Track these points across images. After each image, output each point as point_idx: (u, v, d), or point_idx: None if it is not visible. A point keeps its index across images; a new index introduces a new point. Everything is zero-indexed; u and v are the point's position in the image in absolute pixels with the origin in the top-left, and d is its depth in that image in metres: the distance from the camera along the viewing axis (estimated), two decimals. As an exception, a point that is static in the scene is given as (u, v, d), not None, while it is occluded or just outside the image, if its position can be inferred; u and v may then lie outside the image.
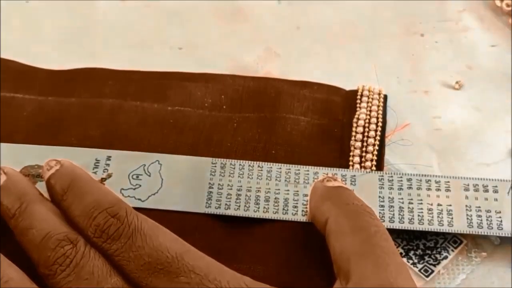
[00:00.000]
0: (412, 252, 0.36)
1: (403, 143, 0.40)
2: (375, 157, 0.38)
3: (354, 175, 0.37)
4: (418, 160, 0.40)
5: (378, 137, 0.39)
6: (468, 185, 0.37)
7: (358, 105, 0.40)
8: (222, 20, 0.47)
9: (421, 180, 0.37)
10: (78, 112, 0.40)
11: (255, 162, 0.37)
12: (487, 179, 0.37)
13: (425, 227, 0.35)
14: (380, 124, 0.39)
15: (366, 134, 0.39)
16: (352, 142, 0.39)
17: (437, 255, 0.36)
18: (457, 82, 0.43)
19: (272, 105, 0.40)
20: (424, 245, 0.36)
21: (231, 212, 0.36)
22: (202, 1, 0.48)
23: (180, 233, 0.32)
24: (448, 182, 0.37)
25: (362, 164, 0.38)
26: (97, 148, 0.38)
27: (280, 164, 0.37)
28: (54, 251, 0.31)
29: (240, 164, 0.37)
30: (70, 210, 0.32)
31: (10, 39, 0.45)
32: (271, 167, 0.37)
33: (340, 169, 0.37)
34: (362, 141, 0.39)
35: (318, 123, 0.40)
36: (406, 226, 0.35)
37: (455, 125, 0.41)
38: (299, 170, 0.37)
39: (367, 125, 0.39)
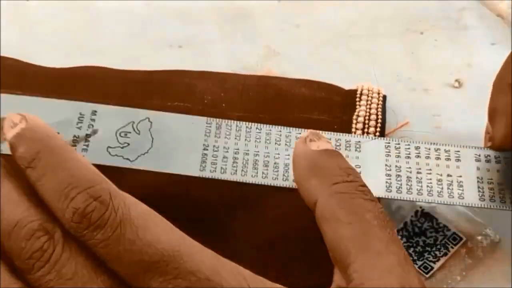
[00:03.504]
0: (411, 249, 0.36)
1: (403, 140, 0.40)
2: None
3: (359, 141, 0.35)
4: (417, 158, 0.40)
5: (377, 134, 0.39)
6: (479, 155, 0.35)
7: (357, 103, 0.40)
8: (222, 19, 0.47)
9: (430, 149, 0.35)
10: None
11: (253, 124, 0.36)
12: (499, 151, 0.35)
13: (435, 198, 0.33)
14: (379, 121, 0.39)
15: (365, 131, 0.39)
16: (351, 139, 0.39)
17: (437, 252, 0.36)
18: (456, 80, 0.43)
19: (272, 103, 0.40)
20: (423, 242, 0.36)
21: (227, 176, 0.34)
22: (202, 0, 0.48)
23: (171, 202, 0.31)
24: (459, 151, 0.35)
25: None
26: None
27: (280, 127, 0.36)
28: (29, 243, 0.26)
29: (237, 125, 0.35)
30: (39, 183, 0.27)
31: (10, 39, 0.45)
32: (270, 130, 0.35)
33: (344, 134, 0.36)
34: (362, 138, 0.39)
35: (318, 119, 0.40)
36: (414, 197, 0.33)
37: (454, 123, 0.41)
38: (300, 133, 0.35)
39: (367, 121, 0.39)
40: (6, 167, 0.28)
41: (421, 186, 0.34)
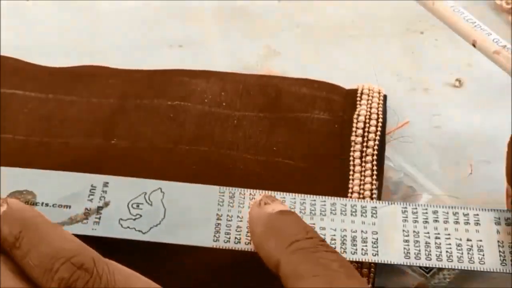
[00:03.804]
0: (412, 248, 0.36)
1: (404, 140, 0.40)
2: (375, 152, 0.38)
3: (375, 207, 0.34)
4: (418, 157, 0.40)
5: (378, 133, 0.39)
6: (499, 218, 0.34)
7: (358, 102, 0.40)
8: (222, 18, 0.47)
9: (448, 213, 0.34)
10: (79, 111, 0.40)
11: (267, 192, 0.34)
12: None
13: (455, 264, 0.33)
14: (380, 120, 0.39)
15: (366, 129, 0.39)
16: (353, 138, 0.39)
17: (438, 251, 0.36)
18: (457, 80, 0.43)
19: (272, 102, 0.40)
20: (425, 241, 0.36)
21: (241, 246, 0.33)
22: (202, 0, 0.48)
23: None
24: (478, 215, 0.34)
25: (363, 159, 0.38)
26: (96, 144, 0.38)
27: (294, 194, 0.35)
28: None
29: (250, 194, 0.35)
30: (25, 261, 0.28)
31: (10, 39, 0.45)
32: (284, 197, 0.34)
33: (360, 200, 0.35)
34: (363, 136, 0.39)
35: (318, 118, 0.40)
36: (433, 263, 0.33)
37: (455, 123, 0.41)
38: (314, 200, 0.35)
39: (367, 120, 0.39)
40: None
41: (440, 252, 0.33)
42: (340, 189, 0.37)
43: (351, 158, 0.38)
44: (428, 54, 0.45)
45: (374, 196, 0.37)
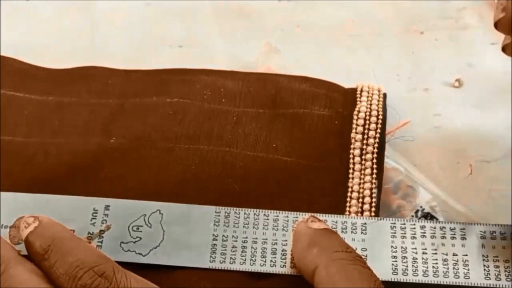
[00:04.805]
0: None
1: (404, 139, 0.40)
2: (375, 149, 0.38)
3: (365, 223, 0.35)
4: (418, 157, 0.40)
5: (379, 130, 0.39)
6: (484, 232, 0.35)
7: (358, 99, 0.40)
8: (222, 18, 0.47)
9: (435, 228, 0.35)
10: (78, 112, 0.40)
11: (260, 211, 0.36)
12: (505, 225, 0.35)
13: (440, 279, 0.33)
14: (380, 117, 0.39)
15: (367, 127, 0.39)
16: (353, 135, 0.38)
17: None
18: (457, 80, 0.43)
19: (272, 99, 0.40)
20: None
21: (236, 266, 0.34)
22: (202, 0, 0.48)
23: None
24: (464, 229, 0.35)
25: (363, 157, 0.38)
26: (95, 143, 0.39)
27: (287, 212, 0.36)
28: None
29: (245, 213, 0.35)
30: (53, 270, 0.31)
31: (10, 39, 0.45)
32: (277, 216, 0.35)
33: (350, 217, 0.36)
34: (363, 133, 0.39)
35: (318, 114, 0.39)
36: (420, 279, 0.33)
37: (455, 123, 0.41)
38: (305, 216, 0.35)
39: (368, 117, 0.39)
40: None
41: (427, 267, 0.34)
42: (339, 187, 0.37)
43: (351, 155, 0.38)
44: (428, 54, 0.44)
45: (374, 194, 0.37)
